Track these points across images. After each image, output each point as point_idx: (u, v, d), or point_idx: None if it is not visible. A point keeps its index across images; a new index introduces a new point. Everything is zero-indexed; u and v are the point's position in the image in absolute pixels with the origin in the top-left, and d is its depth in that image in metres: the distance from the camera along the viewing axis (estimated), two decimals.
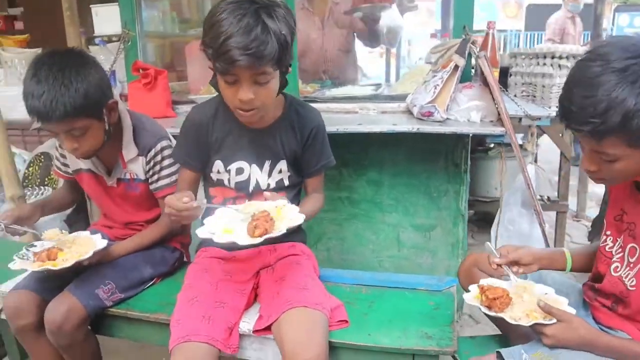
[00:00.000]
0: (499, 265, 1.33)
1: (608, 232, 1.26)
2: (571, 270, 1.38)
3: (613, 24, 13.65)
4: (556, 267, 1.37)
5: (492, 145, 2.87)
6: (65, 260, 1.45)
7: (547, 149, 4.24)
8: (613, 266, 1.22)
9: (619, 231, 1.23)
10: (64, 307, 1.44)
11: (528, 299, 1.25)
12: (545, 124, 2.05)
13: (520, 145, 2.17)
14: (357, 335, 1.36)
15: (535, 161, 3.89)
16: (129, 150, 1.63)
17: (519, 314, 1.21)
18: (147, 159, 1.64)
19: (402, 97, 2.26)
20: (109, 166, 1.68)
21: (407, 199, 2.31)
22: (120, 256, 1.62)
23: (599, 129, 1.01)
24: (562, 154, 2.79)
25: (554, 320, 1.16)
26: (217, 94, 1.45)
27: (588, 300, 1.32)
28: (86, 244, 1.53)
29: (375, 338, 1.34)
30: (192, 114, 1.56)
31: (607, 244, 1.26)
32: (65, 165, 1.76)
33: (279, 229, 1.21)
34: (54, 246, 1.50)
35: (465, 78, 2.12)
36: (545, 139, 3.45)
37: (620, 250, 1.21)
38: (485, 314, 1.28)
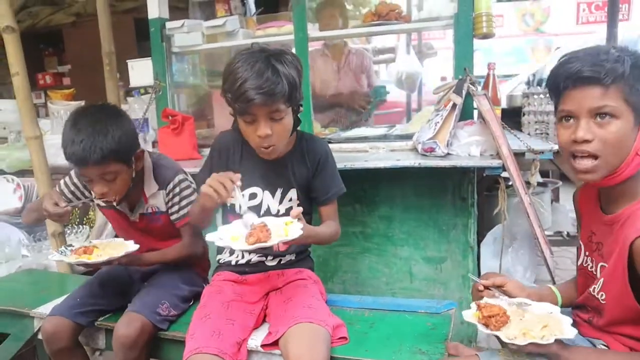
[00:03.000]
0: (486, 287, 1.38)
1: (587, 253, 1.33)
2: (563, 305, 1.40)
3: None
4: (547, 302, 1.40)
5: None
6: (99, 256, 1.62)
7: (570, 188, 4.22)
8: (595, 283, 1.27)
9: (592, 251, 1.29)
10: (138, 324, 1.58)
11: (529, 319, 1.22)
12: (547, 157, 2.14)
13: (527, 182, 2.25)
14: (357, 351, 1.45)
15: (557, 199, 3.90)
16: (150, 186, 1.81)
17: (515, 333, 1.18)
18: (167, 192, 1.81)
19: (410, 137, 2.39)
20: (132, 204, 1.85)
21: (418, 233, 2.39)
22: (145, 263, 1.78)
23: (609, 73, 1.09)
24: None
25: (551, 340, 1.12)
26: None
27: (574, 318, 1.37)
28: (119, 247, 1.71)
29: (373, 353, 1.43)
30: (218, 138, 1.74)
31: (589, 264, 1.31)
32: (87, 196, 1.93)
33: (272, 240, 1.34)
34: (89, 244, 1.70)
35: (467, 116, 2.25)
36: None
37: (593, 267, 1.28)
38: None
